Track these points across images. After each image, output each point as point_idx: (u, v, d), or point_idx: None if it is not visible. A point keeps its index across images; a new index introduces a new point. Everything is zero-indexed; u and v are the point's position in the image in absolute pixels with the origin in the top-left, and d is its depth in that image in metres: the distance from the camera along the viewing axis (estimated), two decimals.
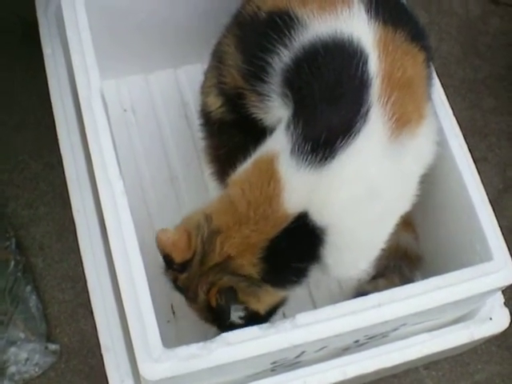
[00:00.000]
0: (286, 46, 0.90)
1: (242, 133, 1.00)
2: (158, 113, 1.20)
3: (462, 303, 0.95)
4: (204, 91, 1.07)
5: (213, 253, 0.89)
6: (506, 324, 1.04)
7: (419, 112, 0.92)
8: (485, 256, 0.95)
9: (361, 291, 1.08)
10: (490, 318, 1.04)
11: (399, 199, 0.92)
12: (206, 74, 1.09)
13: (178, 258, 0.90)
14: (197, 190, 1.16)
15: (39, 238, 1.16)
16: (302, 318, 0.87)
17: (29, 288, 1.11)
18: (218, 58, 1.01)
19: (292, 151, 0.86)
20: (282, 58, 0.90)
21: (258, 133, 0.96)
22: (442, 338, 1.02)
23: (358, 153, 0.86)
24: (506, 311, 1.04)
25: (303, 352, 0.93)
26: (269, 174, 0.88)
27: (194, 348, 0.85)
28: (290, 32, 0.90)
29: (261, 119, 0.96)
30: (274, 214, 0.87)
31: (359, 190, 0.88)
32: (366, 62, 0.87)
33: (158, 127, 1.19)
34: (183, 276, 0.92)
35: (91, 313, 1.10)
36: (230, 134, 1.02)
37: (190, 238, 0.90)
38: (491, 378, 1.16)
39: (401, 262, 1.10)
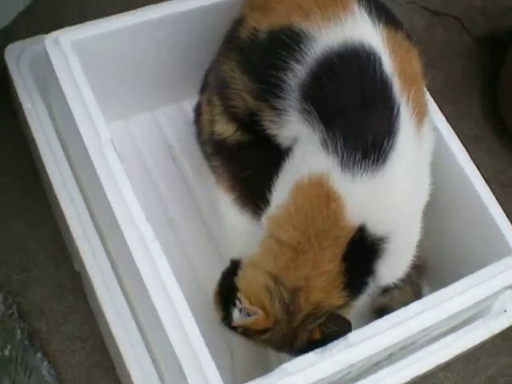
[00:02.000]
0: (298, 61, 0.91)
1: (262, 152, 0.99)
2: (144, 157, 1.18)
3: (489, 299, 0.98)
4: (205, 123, 1.06)
5: (299, 309, 0.88)
6: None
7: (426, 102, 0.97)
8: (503, 251, 0.98)
9: (380, 306, 1.09)
10: (505, 311, 1.08)
11: (425, 190, 0.95)
12: (199, 107, 1.08)
13: (258, 328, 0.89)
14: (195, 229, 1.14)
15: (38, 302, 1.10)
16: (354, 336, 0.88)
17: (39, 355, 1.05)
18: (220, 86, 1.01)
19: (343, 165, 0.87)
20: (297, 74, 0.91)
21: (276, 151, 0.96)
22: (465, 337, 1.05)
23: (403, 150, 0.88)
24: None
25: (349, 372, 0.93)
26: (323, 196, 0.88)
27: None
28: (299, 47, 0.91)
29: (274, 135, 0.96)
30: (342, 233, 0.88)
31: (409, 188, 0.91)
32: (381, 63, 0.90)
33: (146, 172, 1.17)
34: (265, 336, 0.90)
35: (106, 372, 1.07)
36: (251, 156, 1.00)
37: (266, 310, 0.88)
38: (503, 370, 1.20)
39: (409, 271, 1.12)
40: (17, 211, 1.15)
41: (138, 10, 1.04)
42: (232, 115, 0.99)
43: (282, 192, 0.92)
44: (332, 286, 0.89)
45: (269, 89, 0.92)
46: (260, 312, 0.87)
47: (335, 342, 0.87)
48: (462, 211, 1.05)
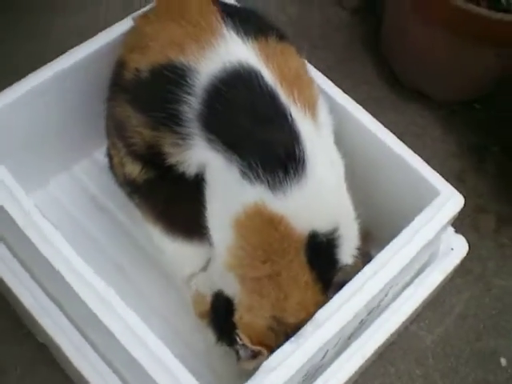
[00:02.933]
0: (189, 93, 0.93)
1: (170, 185, 1.01)
2: (73, 216, 1.19)
3: (433, 241, 1.03)
4: (117, 166, 1.07)
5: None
6: (466, 247, 1.14)
7: (314, 91, 1.00)
8: (431, 194, 1.02)
9: (338, 282, 1.13)
10: (452, 249, 1.13)
11: (340, 165, 0.98)
12: (109, 152, 1.10)
13: None
14: (144, 267, 1.16)
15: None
16: (321, 315, 0.91)
17: None
18: (118, 128, 1.03)
19: (272, 188, 0.89)
20: (192, 105, 0.92)
21: (183, 180, 0.98)
22: (423, 284, 1.10)
23: (313, 147, 0.91)
24: (461, 237, 1.14)
25: (327, 351, 0.96)
26: (267, 223, 0.90)
27: None
28: (185, 80, 0.93)
29: (177, 162, 0.97)
30: (298, 244, 0.91)
31: (332, 175, 0.95)
32: (262, 77, 0.92)
33: (80, 228, 1.18)
34: None
35: None
36: (161, 190, 1.03)
37: (270, 347, 0.91)
38: (468, 305, 1.26)
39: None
40: None
41: (22, 80, 1.05)
42: (134, 154, 1.01)
43: (222, 233, 0.94)
44: (317, 296, 0.93)
45: (167, 117, 0.94)
46: (265, 352, 0.91)
47: (304, 327, 0.90)
48: (384, 171, 1.09)
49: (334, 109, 1.04)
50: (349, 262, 0.97)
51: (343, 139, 1.03)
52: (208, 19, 0.95)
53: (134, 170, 1.03)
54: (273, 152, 0.90)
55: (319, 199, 0.92)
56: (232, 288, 0.96)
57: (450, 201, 1.02)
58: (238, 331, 0.94)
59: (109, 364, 1.00)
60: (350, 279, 0.96)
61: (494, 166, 1.41)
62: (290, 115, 0.91)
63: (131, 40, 1.04)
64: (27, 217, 0.93)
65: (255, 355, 0.93)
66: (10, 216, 0.94)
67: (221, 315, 0.99)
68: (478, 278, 1.30)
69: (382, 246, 0.99)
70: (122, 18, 1.11)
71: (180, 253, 1.06)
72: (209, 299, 1.02)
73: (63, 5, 1.50)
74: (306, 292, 0.93)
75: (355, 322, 0.98)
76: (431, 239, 1.00)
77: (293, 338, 0.90)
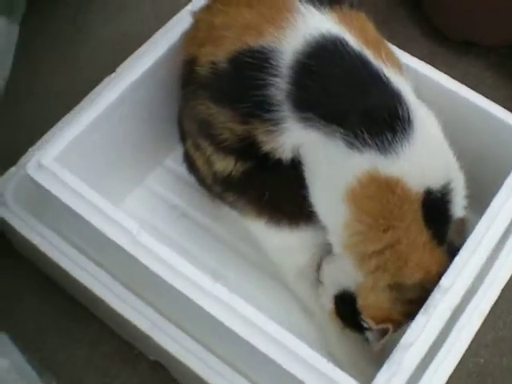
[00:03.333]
0: (275, 75, 0.91)
1: (270, 171, 0.98)
2: (158, 228, 1.17)
3: None
4: (203, 168, 1.04)
5: (426, 291, 0.91)
6: None
7: (396, 56, 0.99)
8: None
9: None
10: None
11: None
12: (188, 155, 1.08)
13: None
14: (240, 268, 1.15)
15: None
16: (446, 281, 0.90)
17: None
18: (202, 128, 1.00)
19: (382, 151, 0.88)
20: (280, 87, 0.91)
21: (281, 164, 0.97)
22: None
23: (413, 102, 0.91)
24: None
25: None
26: (384, 188, 0.89)
27: (386, 371, 0.86)
28: (269, 63, 0.91)
29: (271, 149, 0.95)
30: (415, 204, 0.90)
31: (434, 125, 0.94)
32: (347, 44, 0.91)
33: (165, 238, 1.14)
34: None
35: None
36: (261, 179, 1.00)
37: (393, 320, 0.92)
38: None
39: None
40: (69, 338, 1.14)
41: (94, 102, 1.04)
42: (226, 149, 0.98)
43: (335, 211, 0.93)
44: (434, 253, 0.92)
45: (255, 105, 0.92)
46: (390, 327, 0.91)
47: (431, 295, 0.90)
48: (469, 128, 1.07)
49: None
50: (461, 215, 0.96)
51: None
52: None
53: (227, 165, 1.00)
54: (376, 115, 0.89)
55: (431, 154, 0.91)
56: (349, 275, 0.96)
57: None
58: (361, 316, 0.94)
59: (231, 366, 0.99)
60: (454, 239, 0.95)
61: None
62: (385, 75, 0.90)
63: (199, 34, 1.01)
64: (133, 239, 0.92)
65: (383, 333, 0.93)
66: (112, 241, 0.93)
67: (348, 315, 0.98)
68: None
69: (478, 203, 0.98)
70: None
71: (287, 243, 1.03)
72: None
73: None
74: (423, 253, 0.92)
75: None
76: None
77: (422, 310, 0.89)
